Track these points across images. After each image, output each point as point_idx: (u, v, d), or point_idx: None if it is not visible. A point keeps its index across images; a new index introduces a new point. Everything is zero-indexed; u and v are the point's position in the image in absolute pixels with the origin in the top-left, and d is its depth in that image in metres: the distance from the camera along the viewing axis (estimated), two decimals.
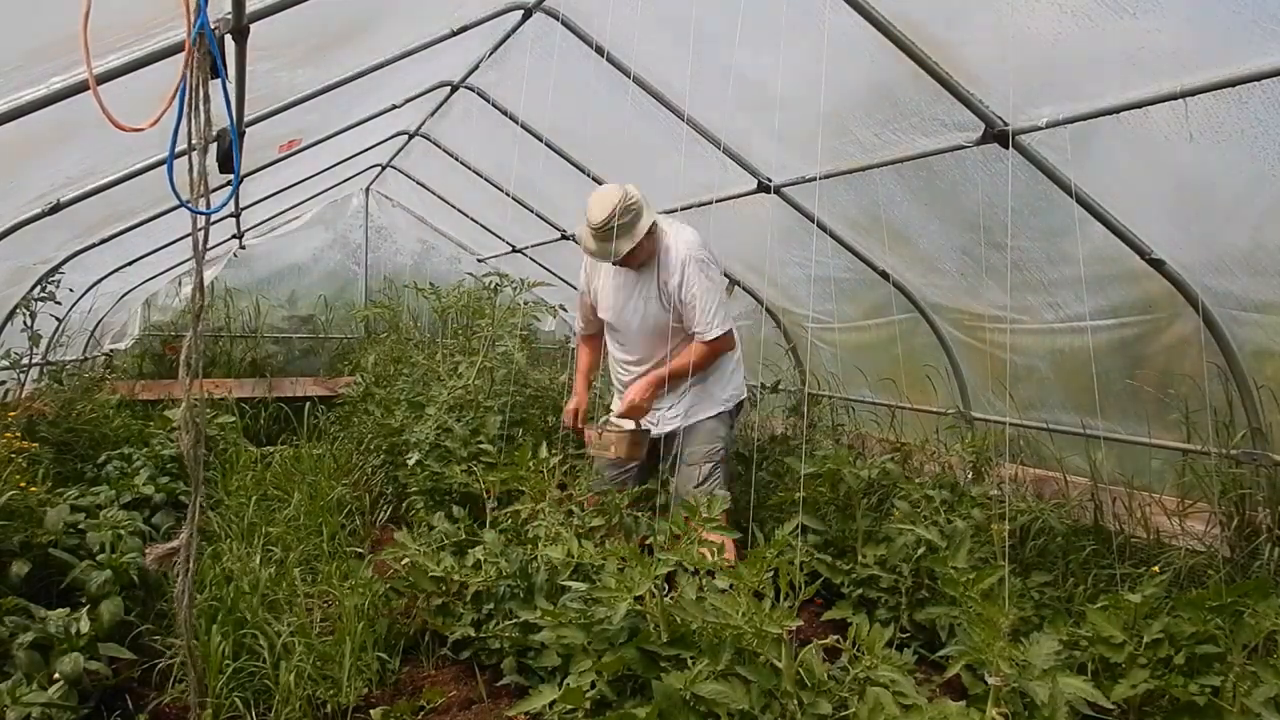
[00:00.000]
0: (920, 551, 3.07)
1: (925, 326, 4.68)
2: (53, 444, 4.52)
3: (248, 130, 3.58)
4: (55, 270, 4.73)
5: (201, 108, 1.91)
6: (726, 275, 5.73)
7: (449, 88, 5.33)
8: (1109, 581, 3.11)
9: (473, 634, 2.91)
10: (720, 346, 3.54)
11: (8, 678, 2.32)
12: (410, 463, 3.73)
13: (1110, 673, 2.34)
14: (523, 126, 5.20)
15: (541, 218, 6.71)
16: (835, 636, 2.39)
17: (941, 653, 2.73)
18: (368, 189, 8.72)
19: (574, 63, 4.30)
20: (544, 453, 3.25)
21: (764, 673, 2.09)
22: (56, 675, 2.36)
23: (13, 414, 4.22)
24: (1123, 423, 3.88)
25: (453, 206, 7.81)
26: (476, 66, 4.95)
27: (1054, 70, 2.96)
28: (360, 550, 3.94)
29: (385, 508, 4.65)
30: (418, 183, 7.77)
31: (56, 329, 5.56)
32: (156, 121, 1.83)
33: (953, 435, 4.32)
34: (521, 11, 4.20)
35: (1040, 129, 3.07)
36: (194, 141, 1.93)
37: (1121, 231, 3.29)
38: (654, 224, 3.51)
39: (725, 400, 3.63)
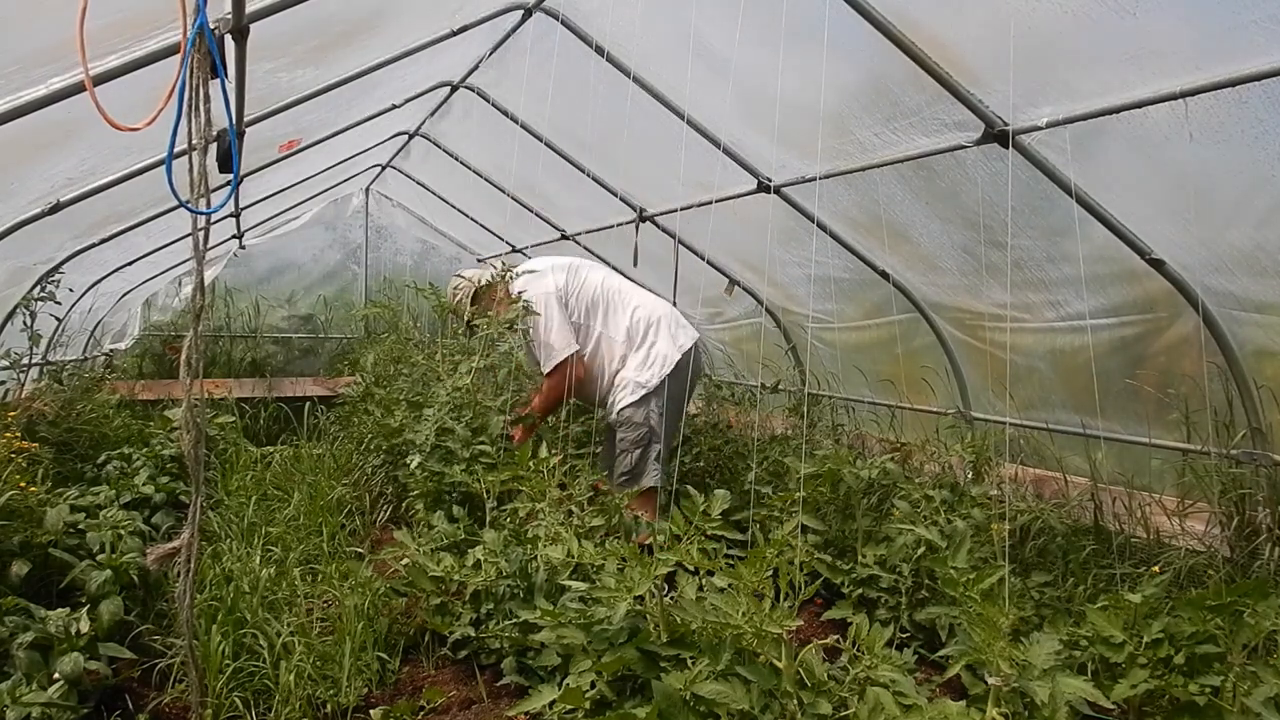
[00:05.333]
0: (920, 551, 3.07)
1: (925, 326, 4.68)
2: (53, 444, 4.52)
3: (248, 130, 3.58)
4: (55, 270, 4.73)
5: (201, 108, 1.91)
6: (725, 274, 5.74)
7: (449, 88, 5.33)
8: (1109, 581, 3.11)
9: (472, 634, 2.90)
10: (553, 378, 3.83)
11: (8, 678, 2.32)
12: (412, 465, 3.74)
13: (1110, 673, 2.34)
14: (523, 126, 5.20)
15: (541, 217, 6.71)
16: (835, 636, 2.39)
17: (941, 653, 2.73)
18: (368, 189, 8.72)
19: (574, 62, 4.30)
20: (544, 452, 3.25)
21: (764, 673, 2.09)
22: (56, 675, 2.36)
23: (13, 414, 4.22)
24: (1123, 423, 3.88)
25: (453, 206, 7.81)
26: (476, 66, 4.96)
27: (1054, 70, 2.96)
28: (360, 550, 3.94)
29: (385, 508, 4.64)
30: (417, 183, 7.77)
31: (56, 329, 5.56)
32: (153, 121, 1.83)
33: (953, 435, 4.32)
34: (521, 11, 4.20)
35: (1040, 129, 3.08)
36: (194, 141, 1.93)
37: (1121, 231, 3.29)
38: (493, 292, 4.05)
39: (645, 383, 3.83)
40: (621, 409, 3.88)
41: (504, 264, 4.11)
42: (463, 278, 4.22)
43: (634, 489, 3.69)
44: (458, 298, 4.17)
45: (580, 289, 4.00)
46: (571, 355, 3.86)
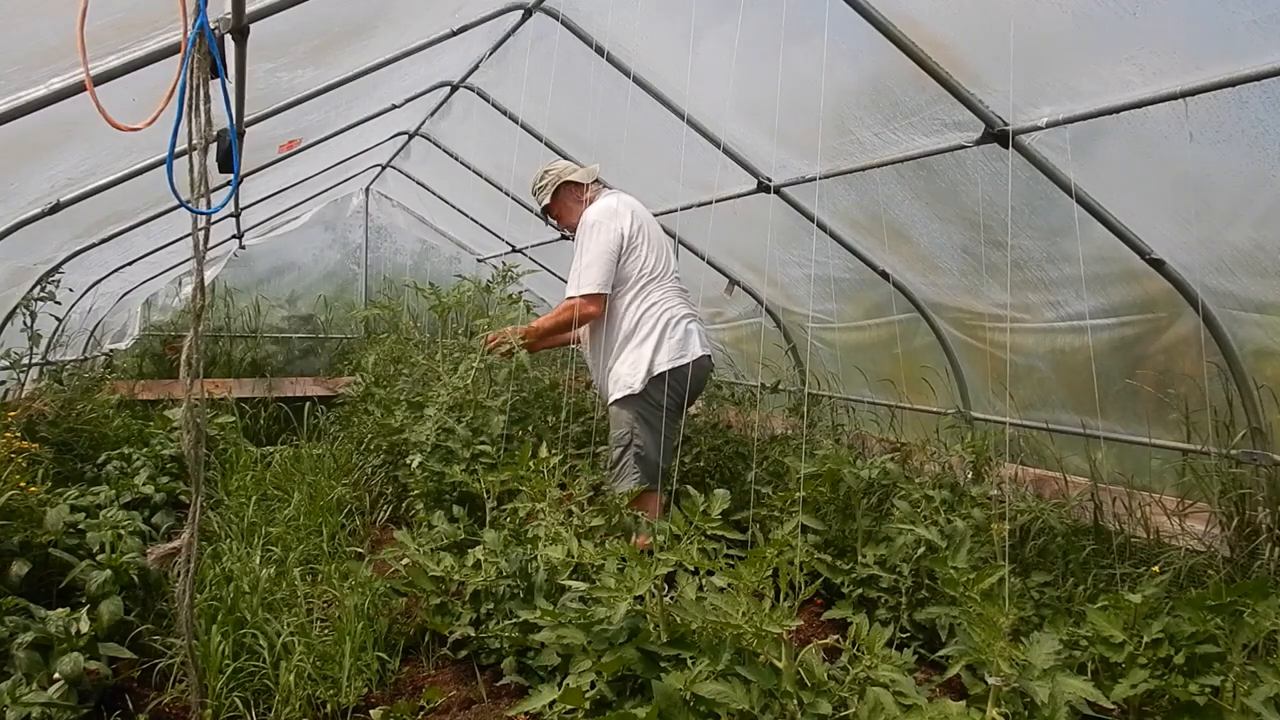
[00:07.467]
0: (920, 551, 3.07)
1: (925, 326, 4.68)
2: (53, 444, 4.52)
3: (248, 130, 3.58)
4: (55, 270, 4.73)
5: (201, 108, 1.91)
6: (725, 274, 5.74)
7: (449, 88, 5.33)
8: (1109, 581, 3.11)
9: (472, 634, 2.90)
10: (581, 307, 3.57)
11: (8, 678, 2.32)
12: (413, 465, 3.73)
13: (1110, 673, 2.34)
14: (523, 126, 5.20)
15: (541, 217, 6.70)
16: (835, 636, 2.39)
17: (941, 653, 2.73)
18: (368, 189, 8.73)
19: (574, 62, 4.30)
20: (544, 452, 3.25)
21: (764, 673, 2.09)
22: (56, 675, 2.36)
23: (13, 414, 4.22)
24: (1123, 423, 3.88)
25: (452, 206, 7.81)
26: (476, 66, 4.96)
27: (1054, 70, 2.96)
28: (360, 550, 3.94)
29: (385, 508, 4.64)
30: (417, 183, 7.77)
31: (56, 329, 5.56)
32: (153, 121, 1.83)
33: (953, 435, 4.32)
34: (521, 11, 4.20)
35: (1040, 129, 3.08)
36: (194, 141, 1.93)
37: (1121, 231, 3.29)
38: (579, 192, 3.91)
39: (630, 384, 3.62)
40: (609, 403, 3.74)
41: (595, 176, 4.00)
42: (553, 168, 4.05)
43: (618, 489, 3.57)
44: (545, 180, 4.00)
45: (642, 254, 3.73)
46: (600, 296, 3.62)
